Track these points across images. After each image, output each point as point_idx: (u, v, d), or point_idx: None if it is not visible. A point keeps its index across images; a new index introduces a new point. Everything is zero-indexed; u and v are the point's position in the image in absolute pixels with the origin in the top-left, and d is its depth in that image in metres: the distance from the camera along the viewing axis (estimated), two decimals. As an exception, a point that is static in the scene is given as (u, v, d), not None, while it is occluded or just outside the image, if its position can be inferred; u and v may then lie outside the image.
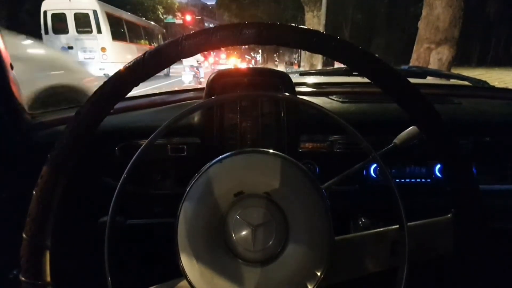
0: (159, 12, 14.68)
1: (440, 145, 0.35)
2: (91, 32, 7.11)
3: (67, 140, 0.34)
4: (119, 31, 8.02)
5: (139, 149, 0.36)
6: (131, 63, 0.34)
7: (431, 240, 0.40)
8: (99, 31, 7.08)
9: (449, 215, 0.39)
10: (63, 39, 7.04)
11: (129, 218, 0.55)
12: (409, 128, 0.47)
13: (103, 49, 7.17)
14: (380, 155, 0.38)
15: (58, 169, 0.34)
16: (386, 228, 0.40)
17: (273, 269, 0.36)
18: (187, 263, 0.35)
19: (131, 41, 8.68)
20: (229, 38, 0.34)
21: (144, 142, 0.37)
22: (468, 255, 0.36)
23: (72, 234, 0.62)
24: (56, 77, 1.18)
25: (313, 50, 0.35)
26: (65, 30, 7.04)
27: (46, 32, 7.08)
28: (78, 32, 7.08)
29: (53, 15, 6.94)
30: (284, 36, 0.33)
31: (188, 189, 0.37)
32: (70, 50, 7.07)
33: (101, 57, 7.19)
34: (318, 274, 0.35)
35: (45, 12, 6.97)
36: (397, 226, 0.39)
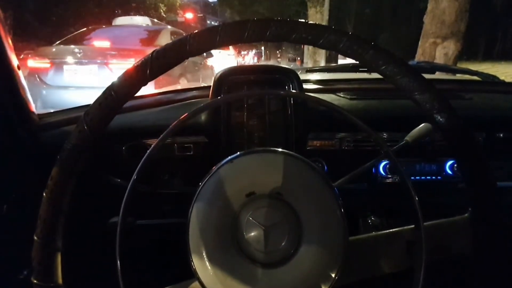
0: (161, 10, 14.69)
1: (457, 143, 0.34)
2: (144, 40, 9.02)
3: (76, 141, 0.33)
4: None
5: (147, 152, 0.36)
6: (139, 62, 0.34)
7: (448, 240, 0.39)
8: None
9: (466, 215, 0.38)
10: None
11: (138, 219, 0.54)
12: (421, 125, 0.46)
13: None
14: (393, 152, 0.37)
15: (68, 171, 0.34)
16: (401, 228, 0.39)
17: (286, 271, 0.35)
18: (199, 264, 0.35)
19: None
20: (238, 35, 0.34)
21: (151, 142, 0.36)
22: (487, 256, 0.35)
23: (82, 236, 0.62)
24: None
25: (322, 46, 0.34)
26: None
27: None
28: (136, 40, 9.00)
29: (121, 28, 8.77)
30: (291, 32, 0.33)
31: (199, 189, 0.37)
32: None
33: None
34: (333, 275, 0.35)
35: (115, 26, 8.77)
36: (412, 226, 0.39)
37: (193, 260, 0.35)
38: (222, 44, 0.35)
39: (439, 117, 0.33)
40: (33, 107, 0.64)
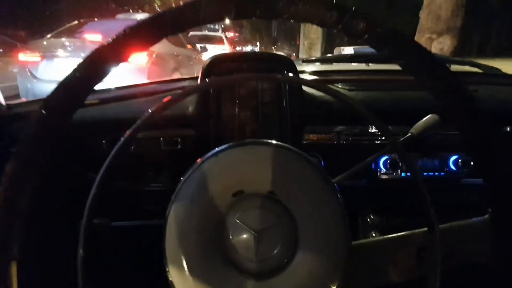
0: (156, 5, 14.61)
1: (477, 136, 0.30)
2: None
3: (34, 133, 0.29)
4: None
5: (122, 138, 0.31)
6: (109, 41, 0.29)
7: (465, 245, 0.35)
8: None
9: (486, 216, 0.34)
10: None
11: (115, 220, 0.50)
12: (427, 117, 0.43)
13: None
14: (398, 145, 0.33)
15: (25, 167, 0.29)
16: (411, 231, 0.35)
17: (280, 282, 0.31)
18: (177, 275, 0.31)
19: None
20: (224, 11, 0.29)
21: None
22: (508, 262, 0.31)
23: (55, 236, 0.57)
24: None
25: (322, 24, 0.29)
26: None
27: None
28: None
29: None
30: (286, 8, 0.28)
31: (178, 187, 0.32)
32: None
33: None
34: (333, 287, 0.30)
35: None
36: (424, 228, 0.34)
37: (170, 270, 0.31)
38: (206, 20, 0.30)
39: (456, 109, 0.29)
40: (1, 96, 0.58)
